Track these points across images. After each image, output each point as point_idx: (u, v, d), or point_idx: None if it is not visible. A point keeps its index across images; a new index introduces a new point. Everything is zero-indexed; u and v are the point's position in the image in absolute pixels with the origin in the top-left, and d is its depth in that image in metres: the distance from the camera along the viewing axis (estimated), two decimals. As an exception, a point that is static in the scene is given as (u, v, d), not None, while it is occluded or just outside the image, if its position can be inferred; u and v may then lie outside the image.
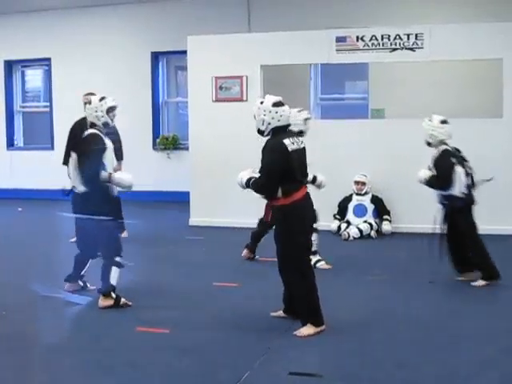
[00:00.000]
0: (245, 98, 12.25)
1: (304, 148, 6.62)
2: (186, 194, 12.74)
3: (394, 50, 11.53)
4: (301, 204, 6.46)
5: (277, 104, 6.42)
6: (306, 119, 8.74)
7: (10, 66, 17.28)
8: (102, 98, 7.69)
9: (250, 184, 6.49)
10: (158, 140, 15.80)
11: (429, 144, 8.33)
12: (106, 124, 7.64)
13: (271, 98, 6.46)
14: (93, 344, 6.36)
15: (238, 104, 12.19)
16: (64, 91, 16.02)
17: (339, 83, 15.03)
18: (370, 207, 11.54)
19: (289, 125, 6.57)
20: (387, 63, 12.18)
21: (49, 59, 16.70)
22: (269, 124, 6.40)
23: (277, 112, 6.40)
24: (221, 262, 9.68)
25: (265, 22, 14.09)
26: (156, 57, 15.97)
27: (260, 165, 6.43)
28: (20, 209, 14.78)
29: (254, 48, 12.19)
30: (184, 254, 10.33)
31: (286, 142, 6.37)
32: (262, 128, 6.45)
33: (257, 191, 6.54)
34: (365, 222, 11.38)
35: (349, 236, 11.17)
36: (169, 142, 15.68)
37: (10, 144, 17.12)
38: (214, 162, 12.24)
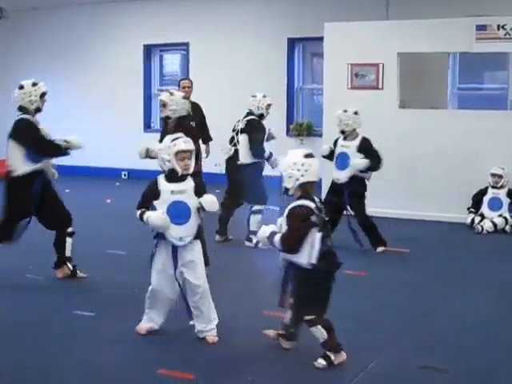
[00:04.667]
0: (380, 86, 12.13)
1: None
2: (318, 181, 12.70)
3: (537, 39, 11.18)
4: None
5: None
6: (269, 105, 10.21)
7: (149, 50, 17.65)
8: (35, 84, 7.84)
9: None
10: (291, 126, 15.82)
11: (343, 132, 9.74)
12: (37, 109, 7.81)
13: None
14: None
15: (374, 92, 12.08)
16: (200, 76, 16.24)
17: (478, 73, 14.65)
18: (506, 201, 11.21)
19: None
20: (529, 53, 11.80)
21: (187, 44, 16.96)
22: None
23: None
24: (350, 250, 9.62)
25: (403, 9, 13.86)
26: (292, 43, 15.97)
27: None
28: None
29: (392, 35, 12.02)
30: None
31: None
32: None
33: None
34: (500, 215, 11.09)
35: (482, 229, 10.91)
36: (302, 129, 15.68)
37: (147, 126, 17.50)
38: (347, 149, 12.17)
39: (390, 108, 11.90)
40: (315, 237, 5.44)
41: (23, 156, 7.67)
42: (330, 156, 9.96)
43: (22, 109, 7.83)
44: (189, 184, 6.01)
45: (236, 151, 9.96)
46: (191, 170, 6.03)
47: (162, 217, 5.82)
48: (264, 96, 10.21)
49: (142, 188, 6.15)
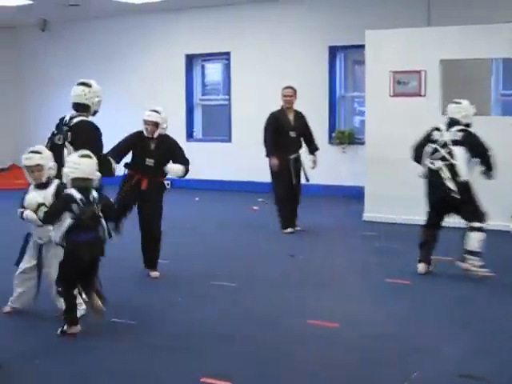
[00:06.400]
0: (423, 93, 12.04)
1: None
2: (360, 189, 12.67)
3: None
4: None
5: None
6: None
7: (190, 60, 17.70)
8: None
9: None
10: (333, 134, 15.79)
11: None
12: (95, 113, 7.45)
13: None
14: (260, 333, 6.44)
15: (416, 99, 11.99)
16: (242, 85, 16.28)
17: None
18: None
19: None
20: None
21: (228, 53, 17.01)
22: None
23: None
24: (393, 258, 9.56)
25: (445, 15, 13.75)
26: (333, 51, 15.94)
27: None
28: (197, 199, 15.15)
29: (433, 42, 11.94)
30: (356, 249, 10.29)
31: None
32: None
33: None
34: (550, 224, 10.93)
35: (529, 239, 10.76)
36: (344, 137, 15.64)
37: (189, 136, 17.56)
38: (390, 157, 12.05)
39: (433, 115, 11.80)
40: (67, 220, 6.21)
41: None
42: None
43: (83, 108, 7.31)
44: (47, 192, 6.62)
45: (451, 167, 8.56)
46: (43, 180, 6.61)
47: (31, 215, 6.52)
48: (470, 103, 8.96)
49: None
